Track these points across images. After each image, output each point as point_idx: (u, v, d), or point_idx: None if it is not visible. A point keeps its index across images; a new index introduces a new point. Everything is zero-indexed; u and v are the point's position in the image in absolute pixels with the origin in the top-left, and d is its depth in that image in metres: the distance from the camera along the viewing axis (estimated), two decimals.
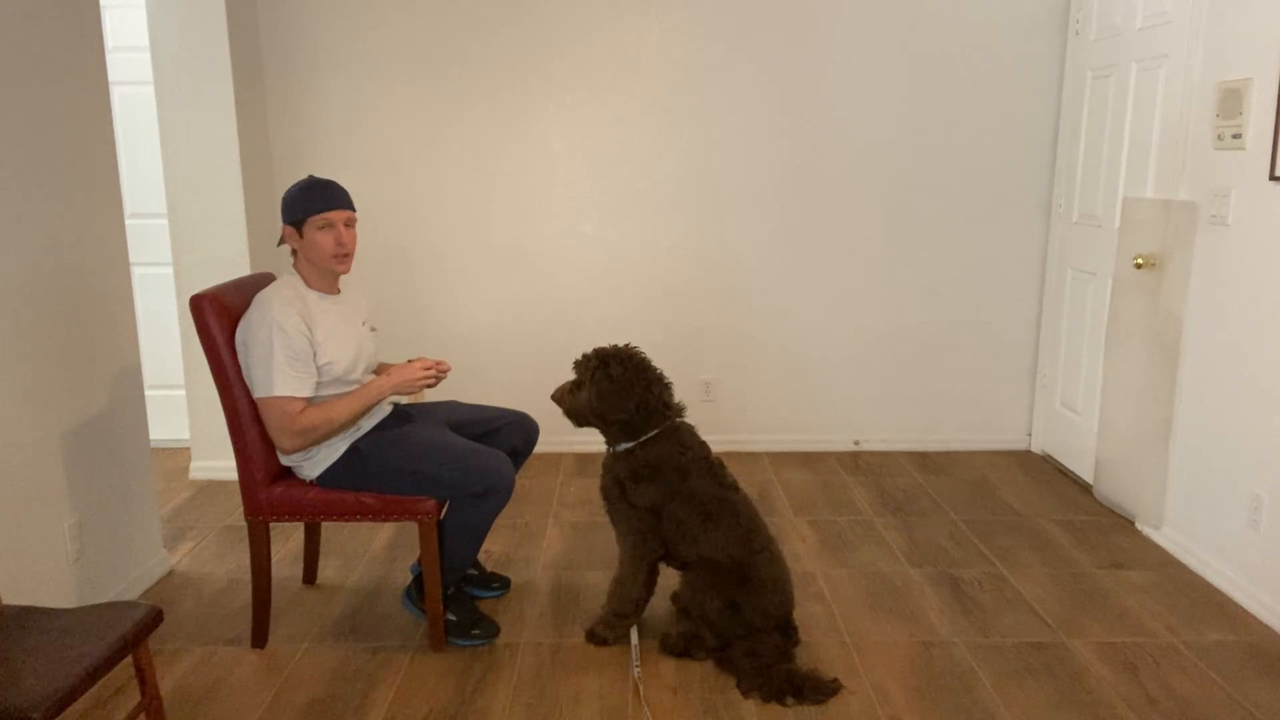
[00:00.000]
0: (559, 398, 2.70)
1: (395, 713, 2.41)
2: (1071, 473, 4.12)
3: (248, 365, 2.54)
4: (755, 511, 2.65)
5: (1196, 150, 3.22)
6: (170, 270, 4.21)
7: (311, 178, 2.62)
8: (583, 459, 4.41)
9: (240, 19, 3.89)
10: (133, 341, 3.05)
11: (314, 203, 2.57)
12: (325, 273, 2.65)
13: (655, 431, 2.62)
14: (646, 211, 4.31)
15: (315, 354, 2.56)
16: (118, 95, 4.15)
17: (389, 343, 4.17)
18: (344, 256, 2.62)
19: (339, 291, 2.73)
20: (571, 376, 2.73)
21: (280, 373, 2.48)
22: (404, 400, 2.97)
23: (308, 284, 2.65)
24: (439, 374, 2.67)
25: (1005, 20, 4.13)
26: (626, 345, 2.65)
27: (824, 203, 4.30)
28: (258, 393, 2.53)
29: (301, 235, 2.59)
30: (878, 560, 3.29)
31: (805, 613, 2.87)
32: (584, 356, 2.65)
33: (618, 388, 2.56)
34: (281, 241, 2.68)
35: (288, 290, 2.58)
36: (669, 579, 2.81)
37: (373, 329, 2.85)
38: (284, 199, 2.61)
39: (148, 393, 3.79)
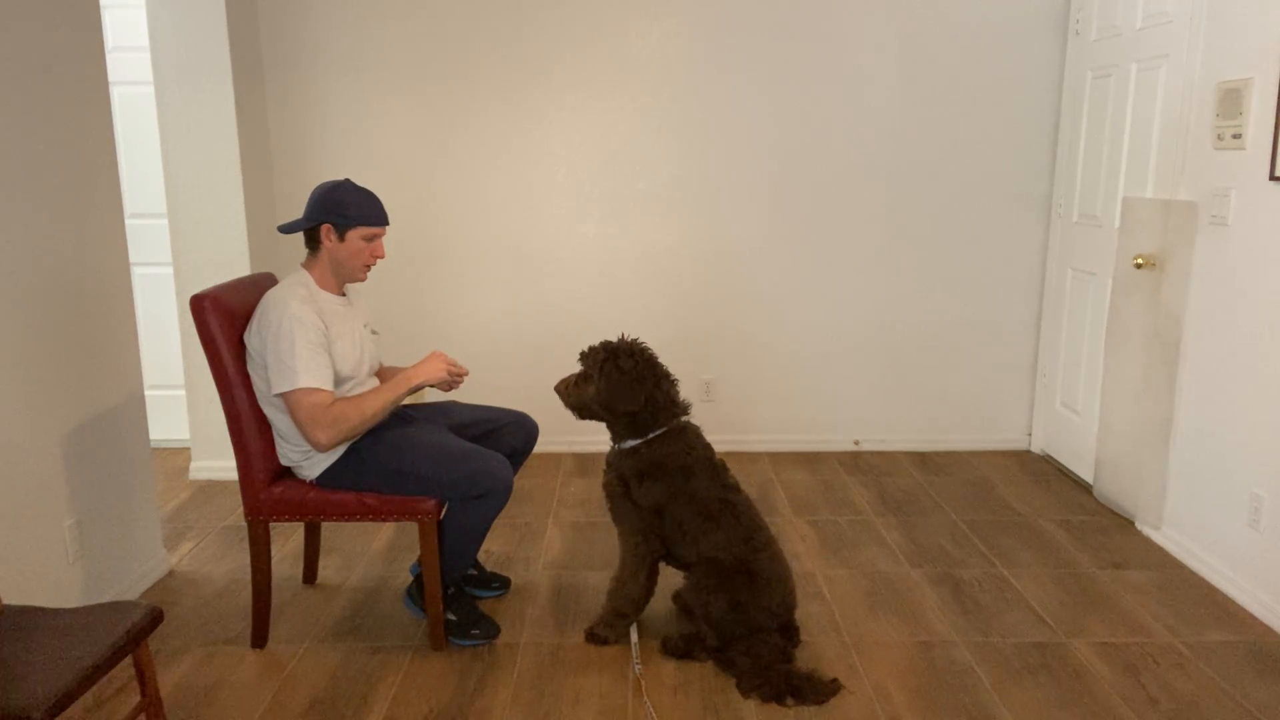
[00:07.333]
0: (563, 391, 2.67)
1: (395, 713, 2.41)
2: (1071, 473, 4.12)
3: (266, 363, 2.51)
4: (756, 512, 2.65)
5: (1196, 150, 3.22)
6: (170, 270, 4.21)
7: (358, 185, 2.63)
8: (583, 459, 4.41)
9: (240, 19, 3.89)
10: (133, 341, 3.05)
11: (371, 214, 2.61)
12: (341, 277, 2.67)
13: (662, 430, 2.62)
14: (646, 212, 4.31)
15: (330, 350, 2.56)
16: (118, 95, 4.15)
17: (388, 344, 4.17)
18: (368, 268, 2.68)
19: (345, 294, 2.74)
20: (574, 370, 2.70)
21: (304, 365, 2.47)
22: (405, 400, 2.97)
23: (319, 285, 2.65)
24: (457, 377, 2.71)
25: (1005, 20, 4.13)
26: (633, 340, 2.63)
27: (824, 202, 4.30)
28: (283, 387, 2.48)
29: (343, 239, 2.59)
30: (878, 560, 3.29)
31: (805, 613, 2.87)
32: (590, 349, 2.63)
33: (628, 380, 2.55)
34: (308, 232, 2.63)
35: (301, 289, 2.59)
36: (669, 579, 2.81)
37: (374, 331, 2.86)
38: (332, 198, 2.58)
39: (148, 393, 3.79)
